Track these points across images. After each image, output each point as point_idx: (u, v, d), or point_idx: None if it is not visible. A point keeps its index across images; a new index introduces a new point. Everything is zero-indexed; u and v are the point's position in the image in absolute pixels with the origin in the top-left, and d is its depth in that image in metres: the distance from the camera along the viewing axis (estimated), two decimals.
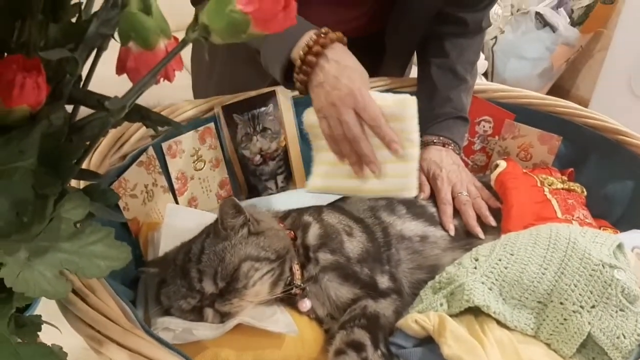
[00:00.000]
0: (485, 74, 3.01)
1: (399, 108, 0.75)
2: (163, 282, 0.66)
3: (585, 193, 0.92)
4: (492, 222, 0.82)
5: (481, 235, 0.80)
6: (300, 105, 0.89)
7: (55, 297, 0.36)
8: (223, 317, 0.63)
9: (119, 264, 0.37)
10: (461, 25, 0.95)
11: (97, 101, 0.39)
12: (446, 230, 0.79)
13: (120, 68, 0.40)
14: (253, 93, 0.88)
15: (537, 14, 2.88)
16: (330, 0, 0.92)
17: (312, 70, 0.74)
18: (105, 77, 0.45)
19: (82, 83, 0.41)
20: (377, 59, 1.01)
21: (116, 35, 0.40)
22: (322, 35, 0.74)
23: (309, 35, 0.74)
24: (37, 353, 0.38)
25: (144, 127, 0.66)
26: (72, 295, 0.50)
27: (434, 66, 0.96)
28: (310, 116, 0.79)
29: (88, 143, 0.39)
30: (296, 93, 0.91)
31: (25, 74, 0.33)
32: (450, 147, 0.91)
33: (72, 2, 0.40)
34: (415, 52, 1.04)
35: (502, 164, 0.91)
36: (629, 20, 2.72)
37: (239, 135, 0.87)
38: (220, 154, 0.87)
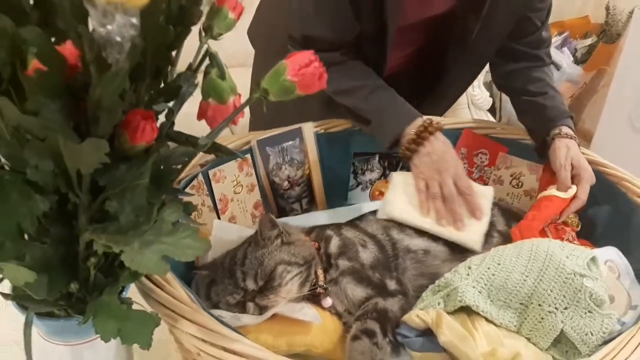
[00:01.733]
0: (492, 109, 3.16)
1: (481, 191, 1.00)
2: (212, 282, 0.81)
3: (579, 228, 1.07)
4: None
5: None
6: (321, 139, 1.07)
7: (158, 274, 0.51)
8: (262, 309, 0.78)
9: (201, 252, 0.52)
10: (539, 61, 1.17)
11: (186, 139, 0.55)
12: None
13: (201, 115, 0.56)
14: (283, 129, 1.04)
15: None
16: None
17: (422, 143, 0.98)
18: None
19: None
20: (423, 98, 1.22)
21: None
22: (434, 122, 0.99)
23: (422, 121, 0.99)
24: (141, 315, 0.54)
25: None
26: (152, 286, 0.66)
27: (533, 86, 1.15)
28: (396, 177, 1.05)
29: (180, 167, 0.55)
30: (318, 129, 1.08)
31: (145, 122, 0.49)
32: (575, 141, 1.09)
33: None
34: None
35: None
36: (629, 59, 2.85)
37: (270, 164, 1.03)
38: (255, 180, 1.03)
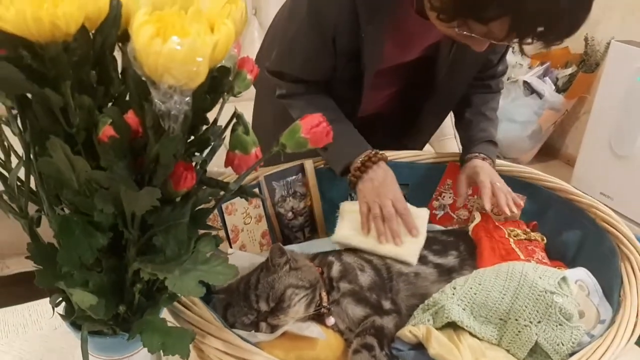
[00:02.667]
0: None
1: (416, 213, 1.14)
2: (229, 305, 0.92)
3: (545, 241, 1.19)
4: (514, 209, 1.16)
5: (514, 210, 1.16)
6: (321, 173, 1.19)
7: (196, 296, 0.62)
8: (273, 328, 0.88)
9: (231, 278, 0.63)
10: (486, 88, 1.35)
11: (216, 183, 0.66)
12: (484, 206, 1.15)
13: (228, 163, 0.67)
14: (287, 165, 1.16)
15: (525, 82, 3.19)
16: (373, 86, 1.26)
17: (366, 170, 1.12)
18: None
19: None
20: (401, 134, 1.38)
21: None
22: (378, 154, 1.14)
23: (368, 152, 1.14)
24: (180, 331, 0.65)
25: None
26: (181, 307, 0.77)
27: (468, 112, 1.34)
28: (344, 205, 1.17)
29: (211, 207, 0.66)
30: (318, 165, 1.20)
31: (186, 172, 0.61)
32: (487, 161, 1.22)
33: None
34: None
35: (477, 217, 1.18)
36: (608, 88, 3.00)
37: (276, 197, 1.15)
38: (262, 212, 1.14)
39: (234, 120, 0.65)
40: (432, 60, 1.23)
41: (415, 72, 1.28)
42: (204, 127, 0.65)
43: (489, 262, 1.06)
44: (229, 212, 1.06)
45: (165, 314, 0.76)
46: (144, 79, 0.52)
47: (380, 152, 1.15)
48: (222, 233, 1.06)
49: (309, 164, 1.18)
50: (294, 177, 1.16)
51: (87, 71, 0.59)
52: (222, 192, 0.67)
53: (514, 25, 0.88)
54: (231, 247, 1.08)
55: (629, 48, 2.86)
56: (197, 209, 0.65)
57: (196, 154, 0.67)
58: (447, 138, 2.13)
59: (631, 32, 3.00)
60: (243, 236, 1.10)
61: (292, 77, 1.19)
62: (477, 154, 1.23)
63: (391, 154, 1.26)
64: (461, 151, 1.31)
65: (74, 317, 0.64)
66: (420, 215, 1.14)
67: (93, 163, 0.57)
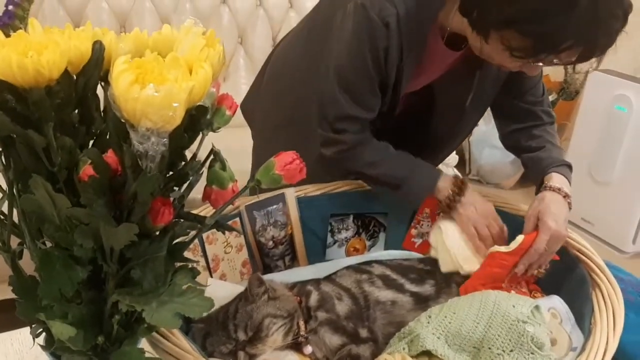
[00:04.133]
0: (462, 162, 3.34)
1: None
2: (207, 334, 0.93)
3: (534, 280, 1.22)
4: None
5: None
6: (301, 202, 1.21)
7: (172, 327, 0.64)
8: (251, 358, 0.90)
9: (206, 310, 0.65)
10: (537, 120, 1.34)
11: (194, 218, 0.69)
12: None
13: (205, 197, 0.70)
14: (268, 194, 1.18)
15: None
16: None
17: (462, 194, 1.17)
18: None
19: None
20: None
21: None
22: (460, 184, 1.19)
23: (450, 176, 1.21)
24: None
25: None
26: (160, 337, 0.79)
27: (533, 142, 1.32)
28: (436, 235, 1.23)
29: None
30: (299, 194, 1.23)
31: (164, 207, 0.63)
32: (560, 193, 1.19)
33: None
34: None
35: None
36: (587, 116, 3.07)
37: (257, 226, 1.17)
38: (243, 241, 1.16)
39: (211, 157, 0.68)
40: (451, 84, 1.28)
41: (438, 96, 1.33)
42: (182, 163, 0.68)
43: (472, 287, 1.09)
44: (209, 241, 1.08)
45: (144, 343, 0.78)
46: (123, 121, 0.55)
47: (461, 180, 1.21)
48: (203, 262, 1.07)
49: (289, 193, 1.20)
50: (274, 206, 1.18)
51: (69, 112, 0.61)
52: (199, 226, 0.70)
53: (584, 53, 0.99)
54: (212, 276, 1.09)
55: (607, 77, 2.92)
56: (174, 242, 0.67)
57: (174, 188, 0.70)
58: None
59: (609, 61, 3.06)
60: (224, 265, 1.12)
61: (356, 124, 1.19)
62: (552, 184, 1.20)
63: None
64: (536, 178, 1.28)
65: (54, 348, 0.65)
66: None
67: (74, 200, 0.59)
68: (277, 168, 0.65)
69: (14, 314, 0.68)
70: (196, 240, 1.05)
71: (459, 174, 3.06)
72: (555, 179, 1.21)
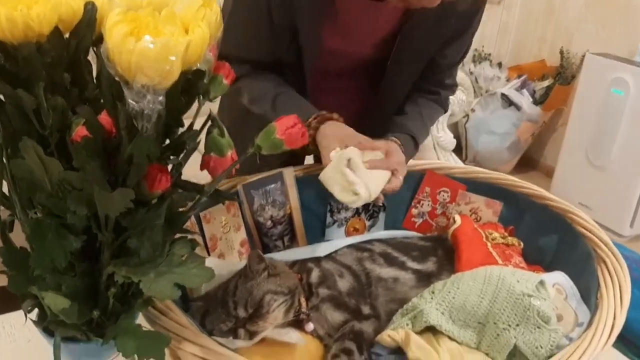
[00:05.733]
0: (458, 148, 3.33)
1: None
2: (207, 312, 0.91)
3: (522, 245, 1.20)
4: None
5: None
6: (300, 182, 1.19)
7: (171, 298, 0.62)
8: (251, 335, 0.87)
9: (206, 280, 0.63)
10: (433, 95, 1.33)
11: (192, 187, 0.66)
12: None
13: (204, 166, 0.67)
14: (266, 174, 1.16)
15: (503, 95, 3.23)
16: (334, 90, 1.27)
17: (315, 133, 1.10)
18: None
19: None
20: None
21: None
22: (329, 114, 1.11)
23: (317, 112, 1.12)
24: (154, 335, 0.64)
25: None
26: (157, 313, 0.76)
27: (407, 105, 1.31)
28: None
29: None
30: (298, 173, 1.20)
31: (161, 174, 0.60)
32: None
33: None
34: None
35: (458, 221, 1.19)
36: (583, 99, 3.06)
37: (255, 205, 1.14)
38: (241, 220, 1.13)
39: (209, 123, 0.65)
40: (380, 62, 1.23)
41: (364, 76, 1.28)
42: (180, 130, 0.65)
43: (467, 266, 1.06)
44: (207, 220, 1.06)
45: (141, 320, 0.76)
46: (117, 78, 0.52)
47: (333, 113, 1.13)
48: (200, 241, 1.05)
49: (288, 173, 1.18)
50: (272, 185, 1.16)
51: (60, 73, 0.59)
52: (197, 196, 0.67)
53: None
54: (209, 255, 1.07)
55: (604, 60, 2.91)
56: (173, 212, 0.64)
57: (172, 157, 0.67)
58: (427, 149, 2.15)
59: (605, 44, 3.06)
60: (221, 245, 1.10)
61: (237, 59, 1.06)
62: (394, 140, 1.19)
63: None
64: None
65: (47, 322, 0.63)
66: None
67: (66, 165, 0.57)
68: (278, 132, 0.62)
69: (5, 300, 0.65)
70: (193, 219, 1.03)
71: (457, 159, 3.06)
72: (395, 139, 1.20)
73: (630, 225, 2.88)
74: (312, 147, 1.11)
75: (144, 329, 0.69)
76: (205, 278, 0.63)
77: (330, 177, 1.07)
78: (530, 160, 3.69)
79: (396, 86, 1.29)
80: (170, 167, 0.66)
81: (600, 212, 2.91)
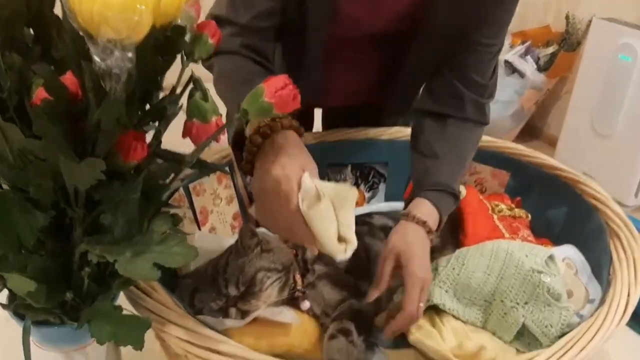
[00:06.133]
0: None
1: (337, 198, 0.68)
2: (196, 290, 0.85)
3: (530, 217, 1.14)
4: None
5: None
6: None
7: (150, 280, 0.56)
8: (243, 314, 0.82)
9: (190, 259, 0.57)
10: (462, 110, 1.01)
11: (172, 156, 0.60)
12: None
13: (186, 133, 0.61)
14: None
15: (506, 61, 3.14)
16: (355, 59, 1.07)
17: (257, 151, 0.71)
18: None
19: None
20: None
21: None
22: (277, 120, 0.71)
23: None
24: (133, 319, 0.58)
25: None
26: (140, 293, 0.71)
27: (436, 142, 1.01)
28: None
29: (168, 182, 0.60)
30: None
31: (136, 142, 0.54)
32: (428, 232, 0.90)
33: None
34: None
35: (462, 192, 1.13)
36: (589, 66, 2.97)
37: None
38: (233, 192, 1.07)
39: (191, 85, 0.58)
40: (402, 36, 1.01)
41: (384, 50, 1.06)
42: (161, 95, 0.59)
43: (472, 240, 1.01)
44: (196, 192, 1.00)
45: (122, 300, 0.70)
46: (81, 33, 0.46)
47: (289, 117, 0.73)
48: (190, 214, 0.99)
49: None
50: None
51: (20, 28, 0.52)
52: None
53: None
54: (200, 229, 1.01)
55: (611, 25, 2.82)
56: (151, 184, 0.58)
57: (151, 123, 0.61)
58: None
59: (613, 8, 2.96)
60: (213, 218, 1.04)
61: (229, 23, 0.90)
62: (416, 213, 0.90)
63: (370, 131, 1.20)
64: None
65: (14, 306, 0.57)
66: (342, 205, 0.69)
67: (28, 132, 0.50)
68: (266, 95, 0.56)
69: None
70: (182, 191, 0.97)
71: None
72: (424, 208, 0.92)
73: (635, 195, 2.82)
74: (247, 166, 0.75)
75: (125, 311, 0.64)
76: (188, 257, 0.57)
77: (317, 219, 0.67)
78: (533, 129, 3.61)
79: (420, 64, 1.04)
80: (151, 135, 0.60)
81: (604, 181, 2.83)
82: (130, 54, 0.45)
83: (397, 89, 1.11)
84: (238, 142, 0.78)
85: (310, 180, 0.66)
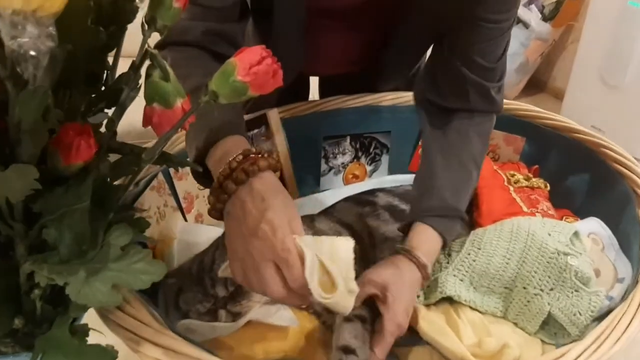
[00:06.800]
0: None
1: (335, 253, 0.61)
2: (180, 290, 0.76)
3: (549, 187, 1.04)
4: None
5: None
6: (288, 124, 1.01)
7: (111, 306, 0.46)
8: (234, 316, 0.73)
9: (157, 277, 0.47)
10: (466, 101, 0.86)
11: (131, 150, 0.49)
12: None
13: (147, 122, 0.50)
14: (246, 117, 0.98)
15: None
16: (341, 27, 0.90)
17: (229, 198, 0.59)
18: None
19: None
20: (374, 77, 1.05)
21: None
22: (251, 158, 0.59)
23: (234, 154, 0.60)
24: (95, 352, 0.49)
25: None
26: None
27: (437, 152, 0.86)
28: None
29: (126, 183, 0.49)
30: (284, 115, 1.02)
31: (80, 138, 0.43)
32: (419, 267, 0.75)
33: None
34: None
35: None
36: (597, 14, 2.82)
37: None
38: None
39: (147, 62, 0.47)
40: (386, 6, 0.85)
41: (370, 20, 0.89)
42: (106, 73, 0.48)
43: (488, 218, 0.91)
44: (179, 176, 0.89)
45: (91, 315, 0.60)
46: None
47: (264, 154, 0.61)
48: (171, 202, 0.89)
49: (272, 115, 1.00)
50: (255, 131, 0.98)
51: None
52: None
53: None
54: (185, 217, 0.91)
55: None
56: (105, 188, 0.48)
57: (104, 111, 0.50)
58: None
59: None
60: (199, 204, 0.94)
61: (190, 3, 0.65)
62: (416, 255, 0.75)
63: (369, 97, 1.09)
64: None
65: None
66: (341, 258, 0.61)
67: None
68: (239, 72, 0.44)
69: None
70: (161, 176, 0.86)
71: None
72: (423, 239, 0.78)
73: None
74: (215, 214, 0.63)
75: (92, 330, 0.54)
76: (156, 275, 0.47)
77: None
78: (538, 82, 3.48)
79: (411, 38, 0.89)
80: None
81: (613, 135, 2.72)
82: (50, 29, 0.34)
83: (391, 59, 0.96)
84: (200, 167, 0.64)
85: (309, 251, 0.56)
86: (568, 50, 3.32)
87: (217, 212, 0.62)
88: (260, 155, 0.60)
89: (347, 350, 0.67)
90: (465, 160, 0.84)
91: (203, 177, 0.65)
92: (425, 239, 0.78)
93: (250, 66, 0.44)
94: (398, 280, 0.72)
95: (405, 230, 0.80)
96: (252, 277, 0.58)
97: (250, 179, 0.58)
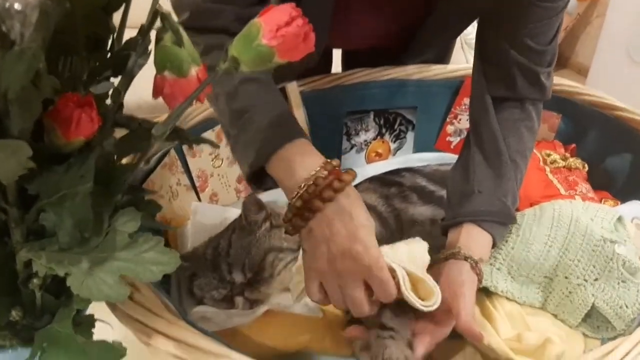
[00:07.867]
0: None
1: (413, 258, 0.62)
2: (194, 275, 0.71)
3: (587, 168, 0.97)
4: None
5: None
6: (310, 100, 0.94)
7: (117, 300, 0.41)
8: (252, 304, 0.68)
9: (170, 268, 0.42)
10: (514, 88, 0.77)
11: (139, 125, 0.43)
12: None
13: (157, 93, 0.44)
14: None
15: None
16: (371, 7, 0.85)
17: (313, 216, 0.56)
18: None
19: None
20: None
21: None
22: (335, 173, 0.56)
23: (314, 168, 0.56)
24: (101, 349, 0.44)
25: None
26: None
27: (483, 144, 0.78)
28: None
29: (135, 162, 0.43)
30: (304, 88, 0.96)
31: (81, 110, 0.38)
32: (473, 270, 0.67)
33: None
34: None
35: None
36: None
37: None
38: None
39: (158, 24, 0.41)
40: None
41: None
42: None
43: (524, 202, 0.84)
44: (192, 153, 0.84)
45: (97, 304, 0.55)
46: None
47: (336, 161, 0.58)
48: (185, 180, 0.83)
49: (292, 88, 0.93)
50: None
51: None
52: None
53: None
54: (199, 196, 0.86)
55: None
56: (110, 167, 0.42)
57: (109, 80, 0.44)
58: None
59: None
60: (213, 182, 0.88)
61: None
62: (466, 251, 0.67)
63: (394, 70, 1.02)
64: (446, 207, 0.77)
65: None
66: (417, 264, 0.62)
67: None
68: (264, 35, 0.38)
69: None
70: (173, 153, 0.81)
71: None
72: (477, 241, 0.70)
73: None
74: (293, 231, 0.59)
75: (98, 321, 0.50)
76: (169, 265, 0.42)
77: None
78: (560, 58, 3.34)
79: (456, 9, 0.83)
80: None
81: None
82: None
83: (425, 35, 0.90)
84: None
85: (397, 266, 0.58)
86: (593, 24, 3.22)
87: (295, 230, 0.59)
88: (340, 169, 0.57)
89: (384, 327, 0.61)
90: (519, 161, 0.77)
91: (257, 181, 0.63)
92: (482, 244, 0.70)
93: (278, 27, 0.37)
94: (458, 287, 0.64)
95: (447, 229, 0.73)
96: (337, 296, 0.58)
97: (337, 196, 0.56)
